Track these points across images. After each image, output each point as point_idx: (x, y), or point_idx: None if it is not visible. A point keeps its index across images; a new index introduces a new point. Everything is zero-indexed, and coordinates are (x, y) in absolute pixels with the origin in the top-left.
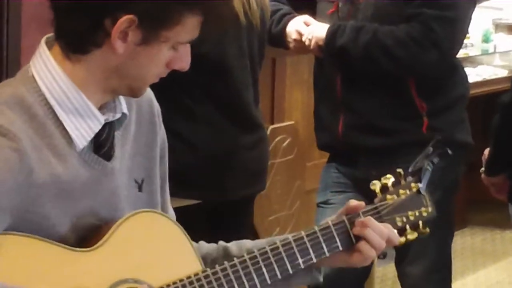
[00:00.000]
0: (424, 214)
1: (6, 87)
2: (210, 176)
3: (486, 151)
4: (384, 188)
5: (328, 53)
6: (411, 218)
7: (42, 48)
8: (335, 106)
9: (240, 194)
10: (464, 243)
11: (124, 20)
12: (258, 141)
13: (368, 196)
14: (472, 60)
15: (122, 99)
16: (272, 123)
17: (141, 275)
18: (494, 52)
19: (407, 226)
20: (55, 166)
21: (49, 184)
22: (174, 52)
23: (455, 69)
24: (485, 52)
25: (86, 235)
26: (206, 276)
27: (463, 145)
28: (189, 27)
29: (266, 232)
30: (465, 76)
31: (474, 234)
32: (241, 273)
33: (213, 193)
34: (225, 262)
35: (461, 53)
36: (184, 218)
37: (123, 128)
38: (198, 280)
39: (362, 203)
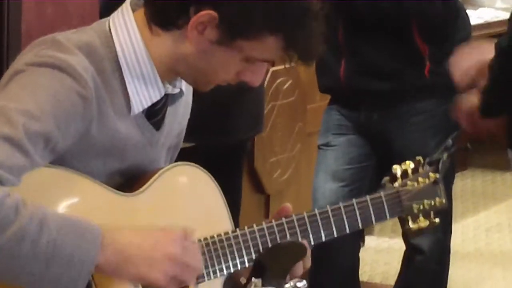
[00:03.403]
0: (438, 204)
1: (81, 33)
2: (210, 119)
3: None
4: (404, 174)
5: None
6: (426, 207)
7: (126, 8)
8: (337, 50)
9: (240, 136)
10: (465, 185)
11: (206, 14)
12: None
13: (368, 138)
14: (473, 2)
15: None
16: (273, 65)
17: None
18: None
19: (421, 214)
20: (114, 121)
21: (105, 136)
22: (248, 64)
23: (458, 13)
24: None
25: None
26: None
27: None
28: (267, 46)
29: (267, 175)
30: (468, 20)
31: (474, 176)
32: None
33: (214, 136)
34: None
35: None
36: (180, 160)
37: (175, 105)
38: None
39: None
